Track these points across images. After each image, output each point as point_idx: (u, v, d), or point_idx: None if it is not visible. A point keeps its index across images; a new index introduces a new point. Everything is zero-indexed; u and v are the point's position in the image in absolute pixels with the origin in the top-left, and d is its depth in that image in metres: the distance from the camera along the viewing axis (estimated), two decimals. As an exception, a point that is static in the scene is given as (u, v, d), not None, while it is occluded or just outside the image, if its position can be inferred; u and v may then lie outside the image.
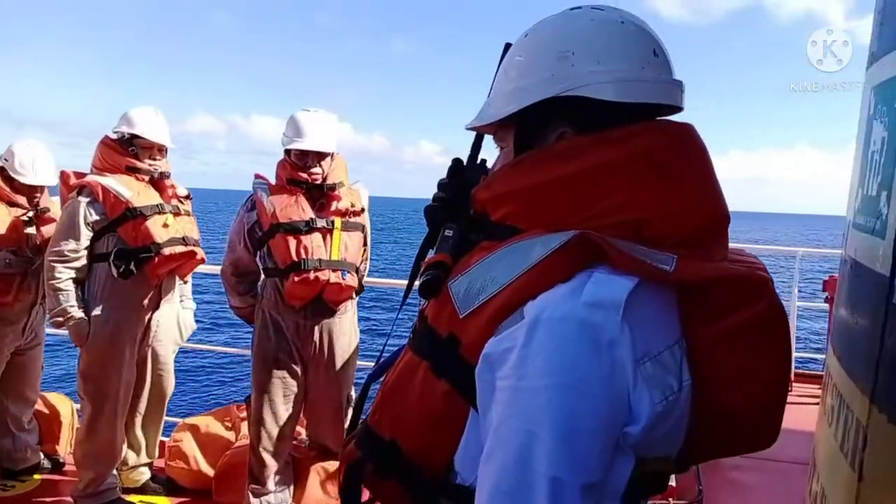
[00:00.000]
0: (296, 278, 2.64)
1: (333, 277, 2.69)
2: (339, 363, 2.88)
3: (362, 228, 2.88)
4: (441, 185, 1.05)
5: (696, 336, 0.80)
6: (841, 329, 1.24)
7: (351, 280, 2.76)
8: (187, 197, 3.30)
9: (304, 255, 2.65)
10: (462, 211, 1.00)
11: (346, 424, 3.07)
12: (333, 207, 2.78)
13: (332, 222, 2.74)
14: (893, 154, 1.00)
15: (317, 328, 2.81)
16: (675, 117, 0.93)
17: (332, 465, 3.12)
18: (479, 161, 1.08)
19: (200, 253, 3.21)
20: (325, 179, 2.78)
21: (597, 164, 0.83)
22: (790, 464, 2.84)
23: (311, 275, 2.64)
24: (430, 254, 1.04)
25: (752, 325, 0.78)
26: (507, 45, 1.01)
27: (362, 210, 2.87)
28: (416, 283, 1.07)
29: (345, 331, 2.89)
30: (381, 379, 1.09)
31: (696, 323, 0.80)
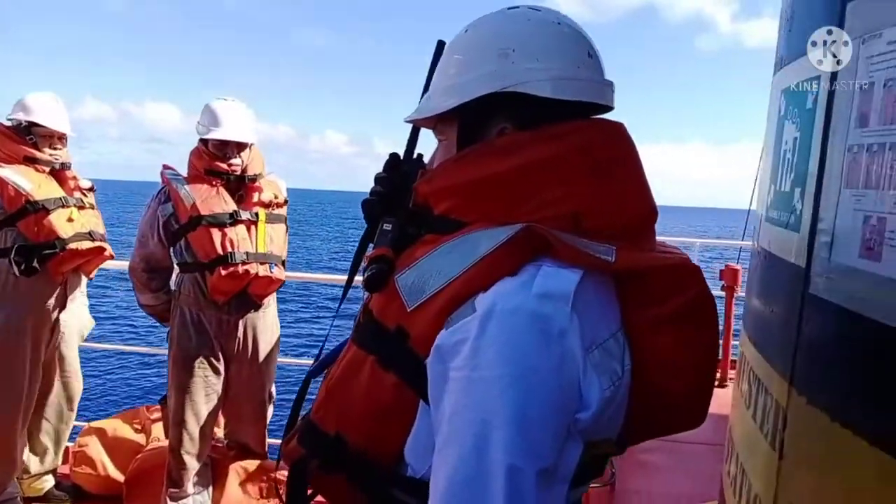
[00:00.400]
0: (223, 272, 2.55)
1: (262, 271, 2.63)
2: (261, 359, 2.81)
3: (285, 220, 2.82)
4: (378, 178, 1.06)
5: (634, 322, 0.85)
6: (755, 317, 1.32)
7: (279, 273, 2.70)
8: (91, 189, 3.12)
9: (230, 249, 2.57)
10: (400, 204, 1.01)
11: (268, 421, 3.02)
12: (256, 199, 2.71)
13: (257, 214, 2.67)
14: (806, 153, 1.07)
15: (241, 323, 2.73)
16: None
17: (252, 465, 3.05)
18: (415, 155, 1.09)
19: (108, 249, 3.05)
20: (244, 171, 2.70)
21: (536, 160, 0.86)
22: (699, 444, 3.00)
23: (240, 268, 2.56)
24: (370, 249, 1.04)
25: (684, 312, 0.84)
26: (441, 43, 1.04)
27: (285, 202, 2.81)
28: (358, 277, 1.07)
29: (268, 326, 2.83)
30: (321, 375, 1.08)
31: (633, 310, 0.85)
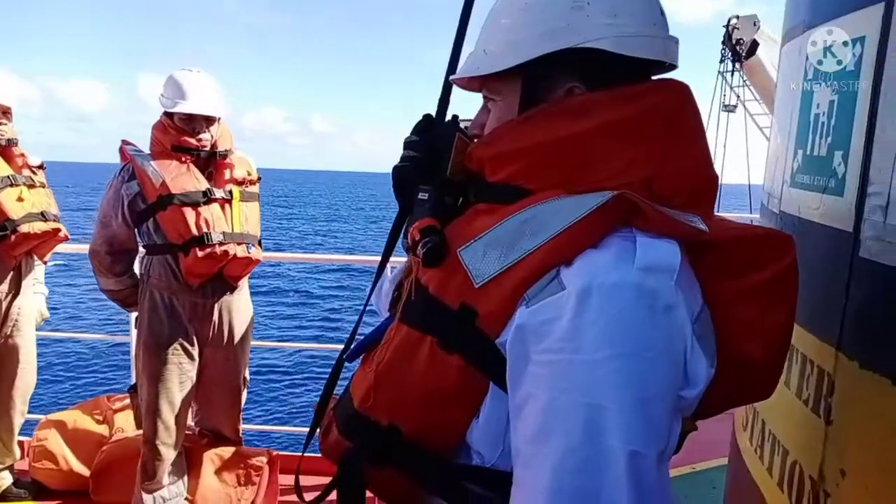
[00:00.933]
0: (199, 253, 2.41)
1: (240, 251, 2.50)
2: (237, 342, 2.70)
3: (258, 198, 2.70)
4: (410, 143, 0.97)
5: (716, 292, 0.81)
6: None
7: (257, 253, 2.59)
8: (40, 167, 2.92)
9: (205, 229, 2.43)
10: (437, 170, 0.94)
11: (242, 406, 2.92)
12: (228, 176, 2.57)
13: (231, 192, 2.54)
14: (849, 115, 1.06)
15: (216, 307, 2.61)
16: None
17: (227, 452, 2.95)
18: (449, 116, 1.00)
19: (63, 230, 2.87)
20: (213, 146, 2.56)
21: (613, 121, 0.81)
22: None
23: (217, 249, 2.44)
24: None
25: (774, 280, 0.81)
26: None
27: (258, 179, 2.69)
28: (402, 251, 0.99)
29: (242, 308, 2.72)
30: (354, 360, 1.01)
31: (714, 280, 0.81)
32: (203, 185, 2.49)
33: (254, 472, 2.84)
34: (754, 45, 11.05)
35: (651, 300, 0.70)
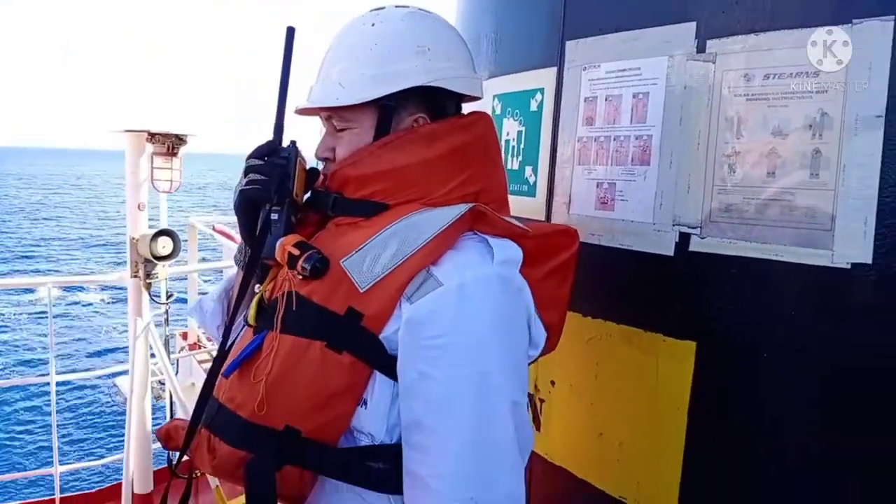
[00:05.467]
0: None
1: None
2: None
3: None
4: (255, 167, 1.03)
5: (529, 275, 1.02)
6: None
7: None
8: None
9: None
10: (286, 192, 1.02)
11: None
12: None
13: None
14: (535, 141, 1.54)
15: None
16: None
17: None
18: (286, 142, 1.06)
19: None
20: None
21: (454, 147, 1.02)
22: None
23: None
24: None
25: (565, 263, 1.10)
26: (292, 29, 1.05)
27: None
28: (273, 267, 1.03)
29: None
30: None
31: (529, 266, 1.02)
32: None
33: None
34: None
35: (509, 286, 0.94)
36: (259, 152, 1.05)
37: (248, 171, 1.04)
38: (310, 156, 1.11)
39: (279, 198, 1.02)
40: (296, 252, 0.96)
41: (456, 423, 0.89)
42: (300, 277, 0.96)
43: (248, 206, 1.05)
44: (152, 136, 3.15)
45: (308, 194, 1.08)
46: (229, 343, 1.04)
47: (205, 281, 5.34)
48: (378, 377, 0.95)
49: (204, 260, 6.13)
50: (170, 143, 3.16)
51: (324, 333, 0.93)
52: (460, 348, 0.90)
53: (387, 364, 0.94)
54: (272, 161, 1.03)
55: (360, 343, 0.93)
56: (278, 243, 0.99)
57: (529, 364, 1.06)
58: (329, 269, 0.95)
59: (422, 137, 1.02)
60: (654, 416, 1.26)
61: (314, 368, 0.93)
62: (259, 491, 0.94)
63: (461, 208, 0.96)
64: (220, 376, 1.01)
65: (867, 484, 1.02)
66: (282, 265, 1.00)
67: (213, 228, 5.67)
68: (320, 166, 1.12)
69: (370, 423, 0.96)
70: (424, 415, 0.91)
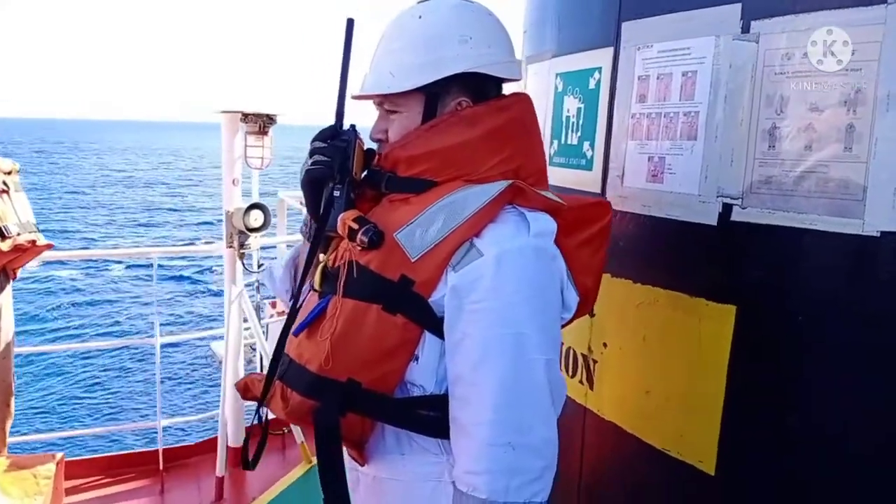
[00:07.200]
0: (3, 246, 2.21)
1: (40, 239, 2.34)
2: (3, 345, 2.51)
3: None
4: (319, 149, 1.15)
5: (565, 244, 1.12)
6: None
7: (43, 239, 2.43)
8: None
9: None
10: (346, 171, 1.13)
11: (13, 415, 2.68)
12: None
13: (5, 183, 2.36)
14: (593, 117, 1.63)
15: None
16: None
17: (4, 464, 2.69)
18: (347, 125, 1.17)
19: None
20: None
21: (494, 128, 1.12)
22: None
23: (19, 239, 2.26)
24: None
25: (599, 232, 1.19)
26: (351, 21, 1.17)
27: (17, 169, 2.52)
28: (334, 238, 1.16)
29: (7, 308, 2.53)
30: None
31: (564, 235, 1.12)
32: None
33: (42, 481, 2.66)
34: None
35: (543, 254, 1.05)
36: (322, 135, 1.17)
37: (312, 152, 1.16)
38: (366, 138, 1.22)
39: (341, 176, 1.13)
40: (355, 226, 1.07)
41: (493, 378, 1.00)
42: (359, 248, 1.07)
43: (314, 184, 1.17)
44: (245, 117, 3.40)
45: (365, 172, 1.19)
46: (298, 305, 1.19)
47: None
48: (428, 336, 1.07)
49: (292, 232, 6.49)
50: (261, 122, 3.40)
51: (380, 298, 1.05)
52: (497, 312, 1.01)
53: (435, 325, 1.06)
54: (334, 143, 1.15)
55: (411, 306, 1.04)
56: (339, 218, 1.11)
57: (563, 326, 1.17)
58: (384, 241, 1.05)
59: (464, 120, 1.12)
60: (697, 375, 1.35)
61: (372, 328, 1.05)
62: (326, 434, 1.07)
63: (501, 185, 1.05)
64: (290, 335, 1.16)
65: (891, 429, 1.09)
66: (343, 237, 1.13)
67: (301, 203, 6.00)
68: (375, 147, 1.24)
69: (421, 377, 1.09)
70: (466, 370, 1.03)
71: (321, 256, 1.20)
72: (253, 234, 3.61)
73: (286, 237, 5.42)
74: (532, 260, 1.04)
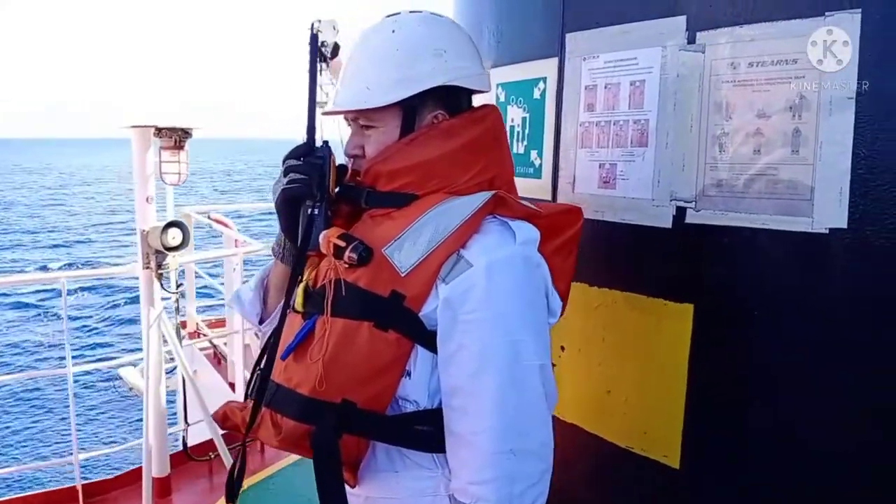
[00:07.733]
0: None
1: None
2: None
3: None
4: (294, 167, 1.13)
5: (541, 250, 1.12)
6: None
7: None
8: None
9: None
10: (324, 188, 1.12)
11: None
12: None
13: None
14: (540, 127, 1.66)
15: None
16: None
17: None
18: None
19: None
20: None
21: (471, 139, 1.13)
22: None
23: None
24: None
25: (570, 239, 1.19)
26: (315, 36, 1.19)
27: None
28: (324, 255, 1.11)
29: None
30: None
31: (540, 242, 1.12)
32: None
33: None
34: (336, 47, 12.20)
35: (529, 262, 1.07)
36: (296, 153, 1.15)
37: (287, 171, 1.14)
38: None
39: (320, 194, 1.12)
40: (341, 243, 1.06)
41: (491, 386, 1.01)
42: (346, 266, 1.06)
43: (290, 203, 1.15)
44: (159, 131, 3.24)
45: (337, 189, 1.18)
46: (279, 327, 1.14)
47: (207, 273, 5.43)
48: (419, 350, 1.07)
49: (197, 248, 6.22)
50: (177, 137, 3.26)
51: (371, 314, 1.04)
52: (492, 321, 1.02)
53: (427, 338, 1.06)
54: (309, 161, 1.13)
55: (403, 321, 1.04)
56: (322, 236, 1.10)
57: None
58: (373, 257, 1.05)
59: (443, 133, 1.13)
60: (658, 372, 1.40)
61: (365, 346, 1.04)
62: (326, 458, 1.05)
63: (484, 196, 1.07)
64: (277, 359, 1.12)
65: (846, 419, 1.16)
66: (322, 255, 1.11)
67: (209, 217, 5.78)
68: (349, 163, 1.22)
69: (414, 392, 1.09)
70: (463, 380, 1.03)
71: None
72: (171, 254, 3.45)
73: (201, 254, 5.21)
74: (521, 268, 1.06)
